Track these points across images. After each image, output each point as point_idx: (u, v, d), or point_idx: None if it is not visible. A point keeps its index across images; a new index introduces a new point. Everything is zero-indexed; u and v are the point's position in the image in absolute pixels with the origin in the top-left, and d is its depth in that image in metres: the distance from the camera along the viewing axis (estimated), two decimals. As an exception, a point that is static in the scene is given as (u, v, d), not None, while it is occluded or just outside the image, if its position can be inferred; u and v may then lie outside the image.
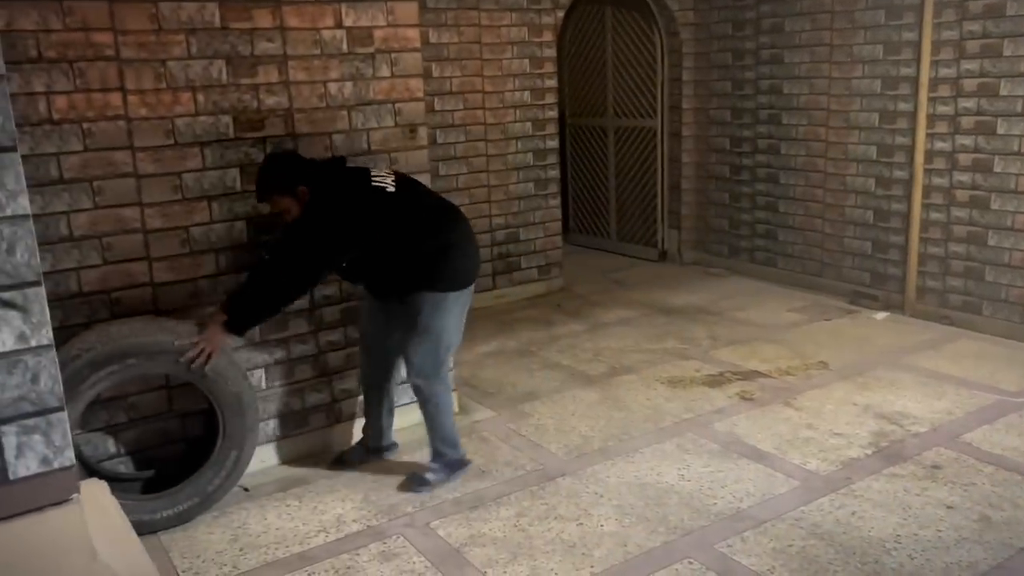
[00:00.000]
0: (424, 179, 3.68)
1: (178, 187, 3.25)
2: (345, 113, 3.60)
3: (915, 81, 5.08)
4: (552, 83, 6.06)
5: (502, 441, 3.79)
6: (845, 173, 5.67)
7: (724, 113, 6.49)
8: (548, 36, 5.96)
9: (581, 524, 3.09)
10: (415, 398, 3.45)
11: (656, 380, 4.44)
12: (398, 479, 3.45)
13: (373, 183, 3.20)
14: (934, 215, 5.14)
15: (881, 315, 5.35)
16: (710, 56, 6.49)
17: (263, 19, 3.32)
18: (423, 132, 3.83)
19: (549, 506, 3.23)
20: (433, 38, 5.44)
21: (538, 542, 2.99)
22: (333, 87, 3.54)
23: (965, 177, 4.93)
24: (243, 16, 3.27)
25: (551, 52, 6.03)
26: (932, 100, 5.02)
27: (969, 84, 4.82)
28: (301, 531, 3.13)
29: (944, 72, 4.93)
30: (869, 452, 3.54)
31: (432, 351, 3.28)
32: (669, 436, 3.79)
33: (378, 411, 3.60)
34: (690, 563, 2.82)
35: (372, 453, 3.65)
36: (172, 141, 3.21)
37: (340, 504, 3.30)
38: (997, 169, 4.76)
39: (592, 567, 2.83)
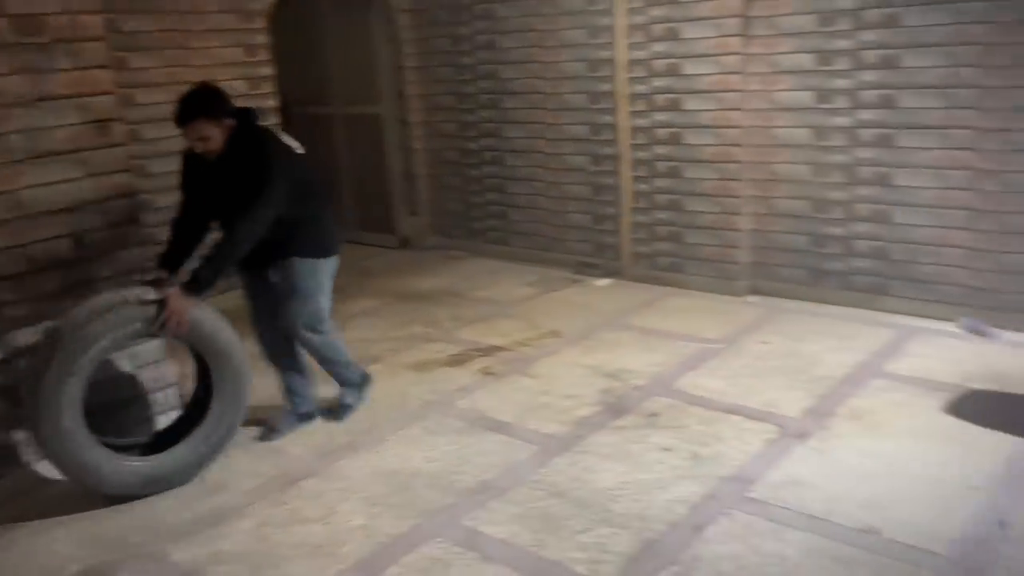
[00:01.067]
0: (126, 179, 3.38)
1: None
2: (21, 111, 3.20)
3: (614, 63, 5.51)
4: (268, 71, 5.82)
5: (240, 450, 3.60)
6: (562, 152, 6.02)
7: (449, 98, 6.62)
8: (259, 23, 5.71)
9: (327, 523, 3.03)
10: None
11: (401, 366, 4.45)
12: (119, 509, 3.17)
13: (283, 140, 3.44)
14: (641, 186, 5.62)
15: (603, 282, 5.78)
16: (430, 42, 6.58)
17: None
18: (118, 128, 3.51)
19: (293, 510, 3.13)
20: (127, 26, 4.99)
21: (282, 549, 2.89)
22: (-1, 82, 3.13)
23: (663, 150, 5.43)
24: None
25: (264, 39, 5.79)
26: (630, 80, 5.46)
27: (659, 65, 5.30)
28: (7, 585, 2.77)
29: (638, 54, 5.38)
30: (597, 409, 3.81)
31: (314, 311, 3.60)
32: (415, 420, 3.82)
33: (291, 378, 3.79)
34: (439, 542, 2.87)
35: (302, 420, 3.81)
36: None
37: (51, 544, 2.96)
38: (687, 142, 5.30)
39: (340, 565, 2.78)
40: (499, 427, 3.70)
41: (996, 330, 4.33)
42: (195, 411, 3.42)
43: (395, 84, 6.74)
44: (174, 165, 3.48)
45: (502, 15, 6.07)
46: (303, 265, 3.50)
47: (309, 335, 3.63)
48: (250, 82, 5.69)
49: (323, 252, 3.56)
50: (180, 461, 3.29)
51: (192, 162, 3.41)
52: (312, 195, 3.51)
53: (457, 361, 4.49)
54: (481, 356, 4.54)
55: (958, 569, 2.54)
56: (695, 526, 2.85)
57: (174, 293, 3.12)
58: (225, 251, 3.23)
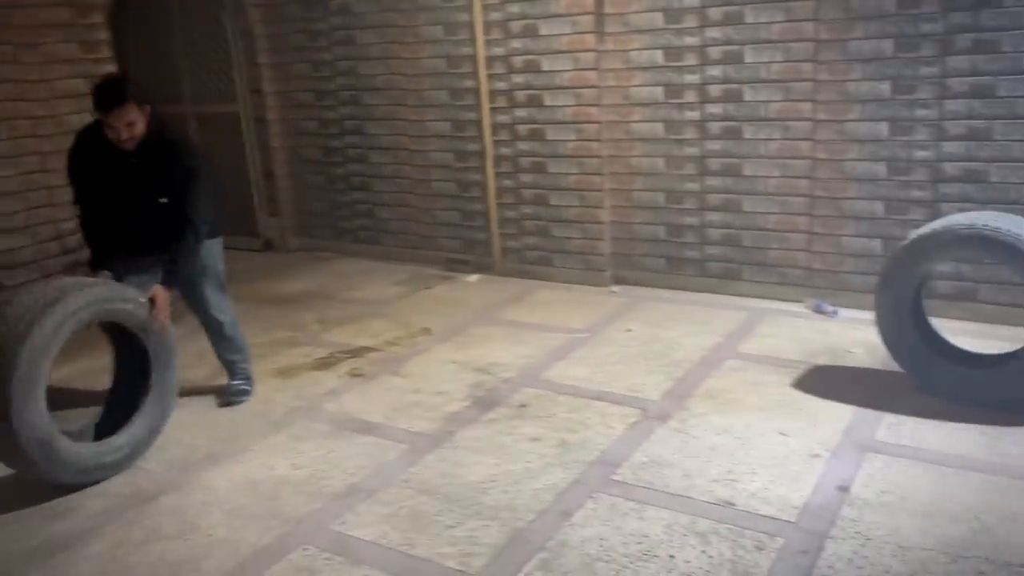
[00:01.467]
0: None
1: None
2: None
3: (474, 59, 5.53)
4: (111, 68, 5.49)
5: (91, 470, 3.39)
6: (427, 149, 5.99)
7: (307, 95, 6.46)
8: (98, 18, 5.38)
9: (188, 539, 2.90)
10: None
11: (266, 373, 4.31)
12: (-43, 542, 2.92)
13: None
14: (506, 182, 5.67)
15: (473, 278, 5.80)
16: (286, 37, 6.40)
17: None
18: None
19: (150, 528, 2.97)
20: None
21: (139, 571, 2.74)
22: None
23: (526, 146, 5.50)
24: None
25: (106, 35, 5.46)
26: (490, 77, 5.50)
27: (518, 61, 5.36)
28: None
29: (496, 51, 5.43)
30: (467, 404, 3.82)
31: (221, 288, 3.84)
32: (280, 428, 3.71)
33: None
34: (305, 550, 2.80)
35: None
36: None
37: None
38: (549, 137, 5.39)
39: (201, 581, 2.67)
40: (368, 428, 3.65)
41: (836, 308, 4.64)
42: (122, 398, 3.48)
43: (250, 81, 6.52)
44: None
45: (359, 10, 5.98)
46: (212, 244, 3.67)
47: (223, 316, 3.87)
48: (89, 80, 5.34)
49: (221, 230, 3.76)
50: (131, 442, 3.38)
51: (89, 157, 3.41)
52: (212, 176, 3.60)
53: (324, 365, 4.40)
54: (350, 358, 4.47)
55: (806, 534, 2.70)
56: (562, 512, 2.90)
57: (160, 291, 3.32)
58: (191, 238, 3.39)
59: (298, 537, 2.88)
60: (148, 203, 3.43)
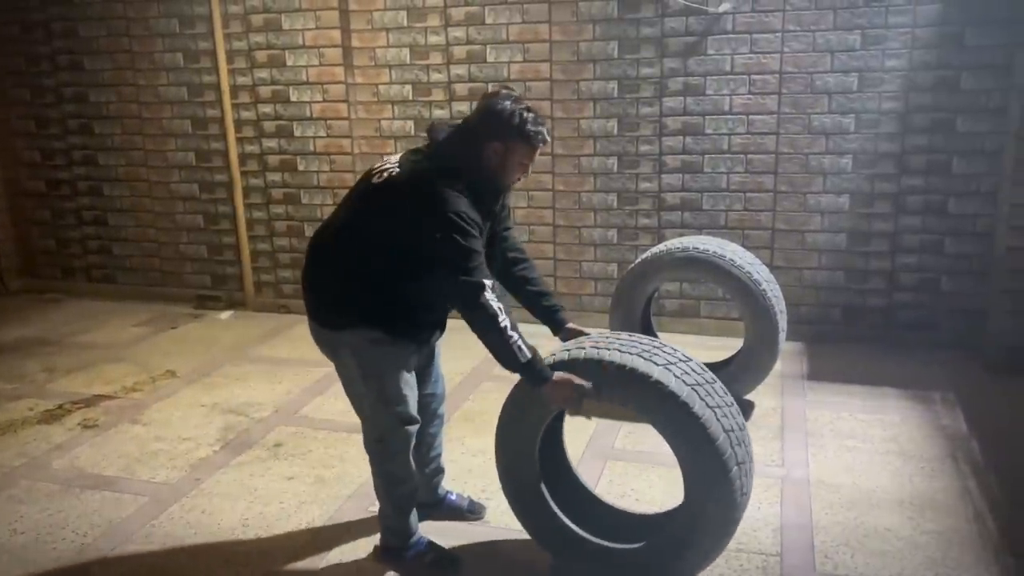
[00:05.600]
0: None
1: None
2: None
3: (218, 88, 5.32)
4: None
5: None
6: (169, 180, 5.66)
7: (28, 123, 5.87)
8: None
9: None
10: None
11: (-22, 432, 3.82)
12: None
13: None
14: (256, 214, 5.49)
15: (226, 315, 5.54)
16: (0, 62, 5.79)
17: None
18: None
19: None
20: None
21: None
22: None
23: (276, 176, 5.37)
24: None
25: None
26: (236, 106, 5.32)
27: (264, 91, 5.24)
28: None
29: (241, 80, 5.26)
30: (217, 448, 3.63)
31: None
32: (-4, 491, 3.30)
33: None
34: (25, 626, 2.51)
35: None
36: None
37: None
38: (301, 168, 5.30)
39: None
40: (103, 483, 3.34)
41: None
42: None
43: (-44, 106, 5.81)
44: None
45: (87, 35, 5.55)
46: None
47: None
48: None
49: None
50: None
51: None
52: None
53: (52, 417, 3.98)
54: (82, 408, 4.08)
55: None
56: (318, 549, 2.84)
57: None
58: None
59: (16, 613, 2.57)
60: None
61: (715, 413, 2.30)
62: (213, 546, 2.89)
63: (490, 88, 4.60)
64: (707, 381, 2.39)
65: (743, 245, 4.23)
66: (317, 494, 3.22)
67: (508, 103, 2.39)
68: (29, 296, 6.05)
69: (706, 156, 4.68)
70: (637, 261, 3.91)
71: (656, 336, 4.10)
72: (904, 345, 4.56)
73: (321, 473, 3.38)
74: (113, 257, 5.94)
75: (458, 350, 4.71)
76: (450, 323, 2.72)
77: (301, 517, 3.05)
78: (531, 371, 2.36)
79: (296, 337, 5.07)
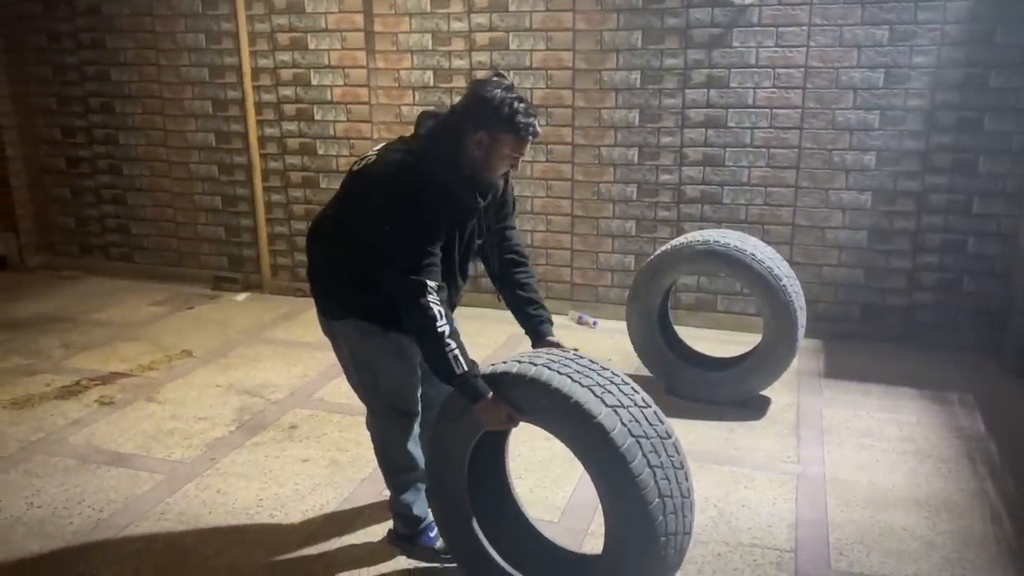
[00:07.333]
0: None
1: None
2: None
3: (239, 70, 5.32)
4: None
5: None
6: (188, 161, 5.67)
7: (49, 101, 5.89)
8: None
9: None
10: None
11: (-5, 406, 3.85)
12: None
13: None
14: (275, 197, 5.49)
15: (242, 296, 5.55)
16: (22, 38, 5.80)
17: None
18: None
19: None
20: None
21: None
22: None
23: (295, 160, 5.37)
24: None
25: None
26: (256, 88, 5.31)
27: (286, 74, 5.23)
28: None
29: (263, 62, 5.26)
30: (232, 428, 3.64)
31: None
32: (14, 464, 3.33)
33: None
34: (41, 598, 2.53)
35: None
36: None
37: None
38: (320, 152, 5.30)
39: (-94, 647, 2.32)
40: (119, 460, 3.36)
41: (596, 320, 4.95)
42: None
43: (-21, 82, 5.83)
44: None
45: (109, 13, 5.55)
46: None
47: None
48: None
49: None
50: None
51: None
52: None
53: (69, 393, 4.01)
54: (98, 385, 4.10)
55: (568, 532, 2.85)
56: (331, 532, 2.84)
57: None
58: None
59: (33, 585, 2.59)
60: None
61: (655, 474, 2.03)
62: (227, 525, 2.90)
63: (510, 76, 4.58)
64: (659, 436, 2.10)
65: (763, 240, 4.19)
66: (331, 477, 3.22)
67: (498, 91, 2.21)
68: (47, 273, 6.08)
69: (728, 149, 4.64)
70: (656, 253, 3.89)
71: (673, 329, 4.09)
72: (923, 345, 4.52)
73: (336, 456, 3.39)
74: (131, 236, 5.96)
75: (468, 337, 4.72)
76: (453, 318, 2.70)
77: (315, 499, 3.06)
78: (465, 385, 2.19)
79: (311, 321, 5.00)
